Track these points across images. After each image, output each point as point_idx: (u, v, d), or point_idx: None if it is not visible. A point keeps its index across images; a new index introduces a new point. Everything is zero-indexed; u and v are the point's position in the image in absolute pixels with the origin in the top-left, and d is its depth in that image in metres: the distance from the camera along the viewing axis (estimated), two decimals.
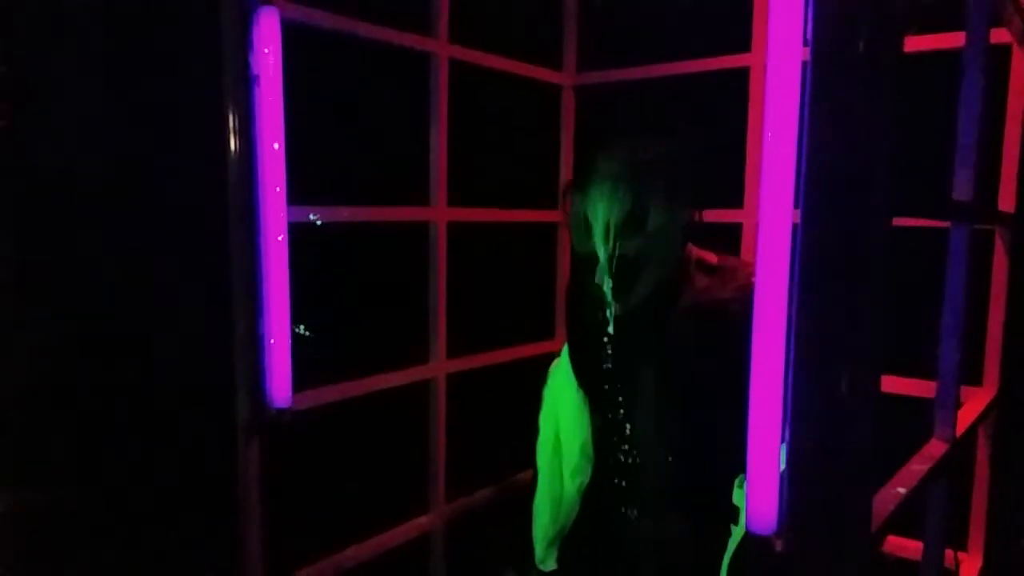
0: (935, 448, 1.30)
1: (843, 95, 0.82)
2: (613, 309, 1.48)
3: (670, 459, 1.51)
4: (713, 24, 2.21)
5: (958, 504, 1.83)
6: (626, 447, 1.56)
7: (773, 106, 0.89)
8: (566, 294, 1.76)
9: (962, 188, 1.31)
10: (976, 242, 1.34)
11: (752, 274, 1.30)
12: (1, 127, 1.50)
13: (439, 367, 2.08)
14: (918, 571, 1.47)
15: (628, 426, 1.55)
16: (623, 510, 1.58)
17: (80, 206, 1.62)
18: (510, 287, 2.58)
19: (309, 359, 1.71)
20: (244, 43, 1.48)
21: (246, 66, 1.49)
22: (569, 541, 1.73)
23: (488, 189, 2.41)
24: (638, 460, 1.55)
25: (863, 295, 0.84)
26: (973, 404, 1.64)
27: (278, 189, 1.54)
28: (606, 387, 1.58)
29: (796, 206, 0.88)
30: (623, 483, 1.57)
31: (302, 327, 1.85)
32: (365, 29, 1.79)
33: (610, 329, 1.54)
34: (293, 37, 1.56)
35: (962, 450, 1.45)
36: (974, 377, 1.80)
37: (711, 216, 1.61)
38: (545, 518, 1.72)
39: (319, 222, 1.72)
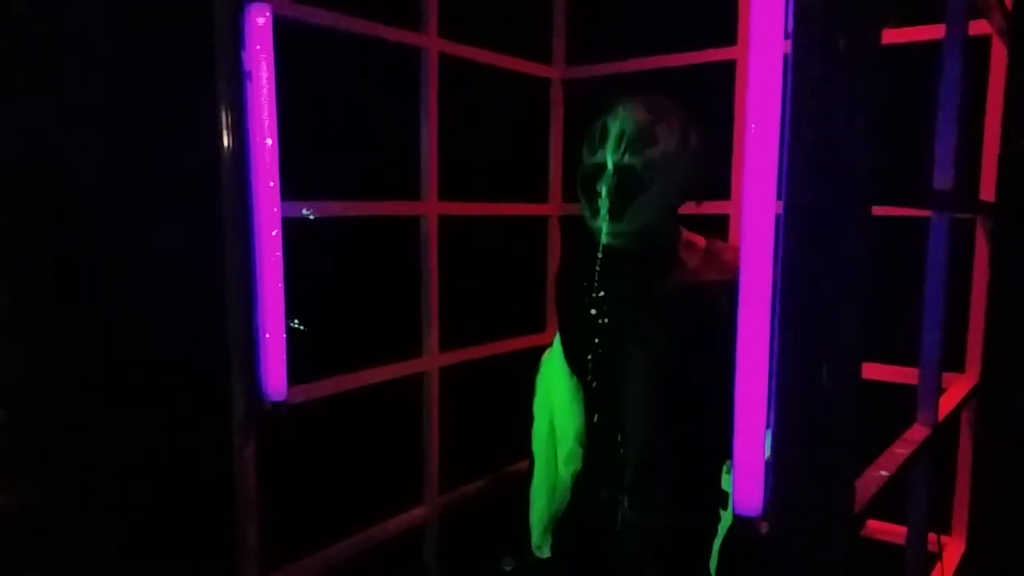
0: (917, 432, 1.33)
1: (823, 87, 0.84)
2: (605, 229, 1.48)
3: (660, 444, 1.54)
4: (701, 18, 2.23)
5: (942, 489, 1.86)
6: (619, 436, 1.59)
7: (755, 98, 0.91)
8: (556, 279, 1.79)
9: (942, 178, 1.34)
10: (958, 231, 1.37)
11: (739, 257, 1.33)
12: None
13: (432, 360, 2.10)
14: (903, 555, 1.50)
15: (619, 411, 1.58)
16: (614, 496, 1.60)
17: (72, 203, 1.63)
18: (500, 281, 2.60)
19: (303, 353, 1.73)
20: (236, 40, 1.49)
21: (238, 63, 1.51)
22: (561, 528, 1.76)
23: (478, 183, 2.42)
24: (629, 446, 1.57)
25: (844, 284, 0.87)
26: (956, 390, 1.67)
27: (271, 184, 1.55)
28: (598, 370, 1.61)
29: (779, 197, 0.90)
30: (614, 469, 1.60)
31: (296, 321, 1.86)
32: (356, 25, 1.81)
33: (603, 311, 1.58)
34: (284, 33, 1.57)
35: (945, 435, 1.48)
36: (957, 364, 1.84)
37: (700, 208, 1.64)
38: (542, 504, 1.75)
39: (312, 217, 1.74)
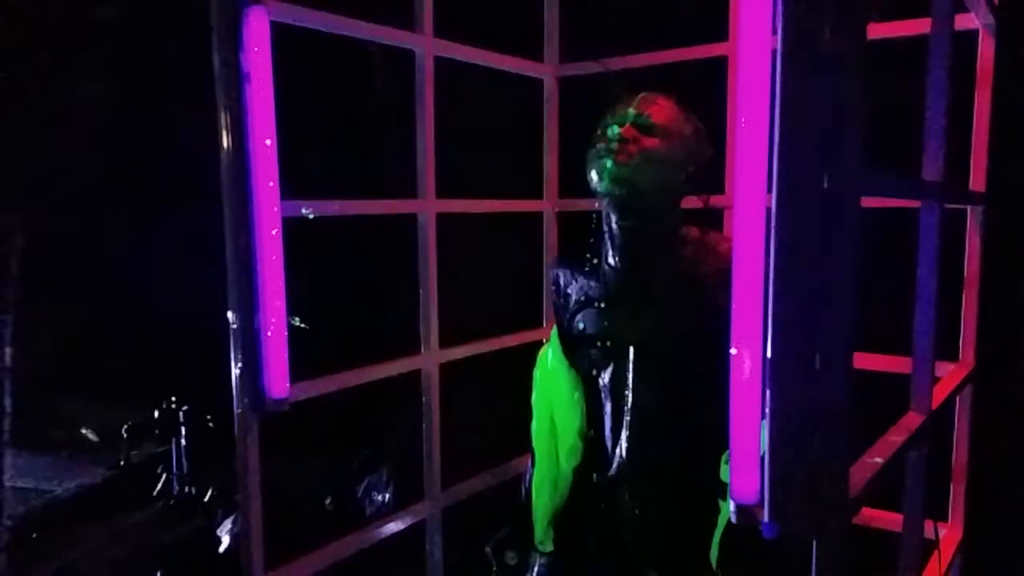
0: (911, 420, 1.35)
1: (810, 81, 0.86)
2: (610, 173, 1.49)
3: (659, 436, 1.56)
4: (693, 14, 2.25)
5: (938, 476, 1.88)
6: (618, 428, 1.61)
7: (745, 93, 0.93)
8: (552, 273, 1.79)
9: (932, 169, 1.36)
10: (949, 222, 1.39)
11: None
12: None
13: (433, 357, 2.12)
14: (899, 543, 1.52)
15: (618, 404, 1.60)
16: (615, 488, 1.62)
17: (74, 204, 1.65)
18: (497, 277, 2.61)
19: (305, 350, 1.74)
20: (234, 42, 1.51)
21: (237, 65, 1.52)
22: (563, 522, 1.77)
23: (475, 181, 2.44)
24: (629, 438, 1.59)
25: (835, 275, 0.89)
26: (950, 378, 1.69)
27: (271, 184, 1.57)
28: (597, 363, 1.63)
29: (769, 190, 0.92)
30: (614, 461, 1.62)
31: (297, 319, 1.88)
32: (352, 26, 1.83)
33: (599, 304, 1.60)
34: (282, 35, 1.59)
35: (940, 423, 1.50)
36: (951, 353, 1.86)
37: (695, 201, 1.66)
38: (545, 498, 1.76)
39: (311, 216, 1.75)
